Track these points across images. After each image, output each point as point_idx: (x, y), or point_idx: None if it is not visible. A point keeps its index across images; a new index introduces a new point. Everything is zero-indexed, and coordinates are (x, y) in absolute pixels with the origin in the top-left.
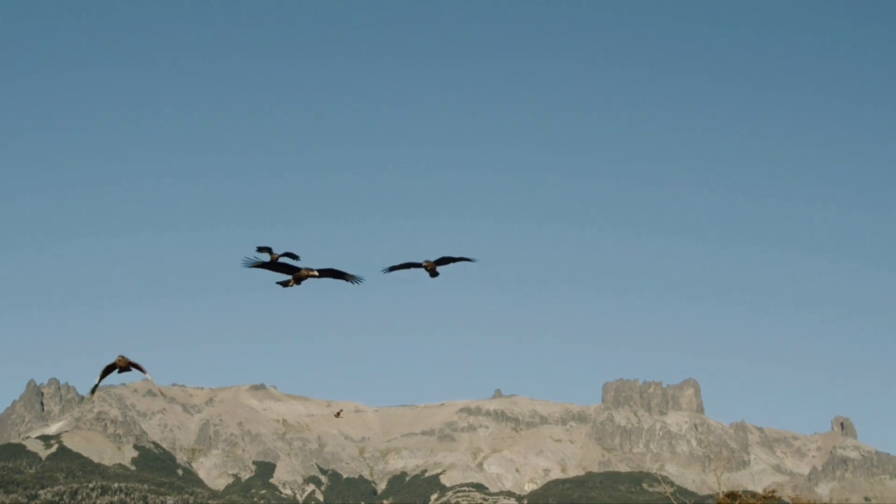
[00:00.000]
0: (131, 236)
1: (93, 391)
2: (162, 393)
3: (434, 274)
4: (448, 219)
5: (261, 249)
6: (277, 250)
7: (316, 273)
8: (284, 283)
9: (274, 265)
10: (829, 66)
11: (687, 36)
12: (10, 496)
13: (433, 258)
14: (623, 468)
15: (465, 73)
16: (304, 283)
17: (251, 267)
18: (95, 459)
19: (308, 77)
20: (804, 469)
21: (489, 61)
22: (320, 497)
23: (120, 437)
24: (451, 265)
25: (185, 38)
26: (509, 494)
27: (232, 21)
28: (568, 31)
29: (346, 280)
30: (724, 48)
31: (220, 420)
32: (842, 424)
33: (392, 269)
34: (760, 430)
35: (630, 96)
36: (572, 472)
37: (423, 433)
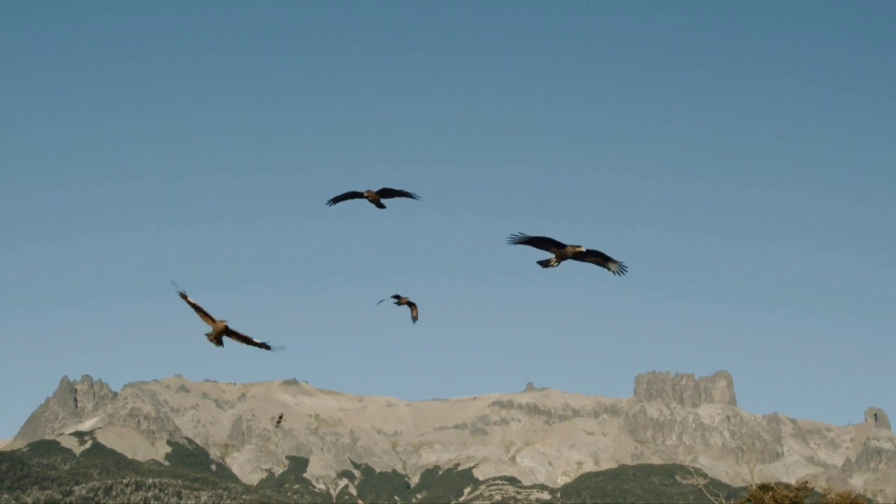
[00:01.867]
0: (162, 231)
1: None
2: None
3: (379, 205)
4: (479, 213)
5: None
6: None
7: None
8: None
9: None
10: (834, 59)
11: (688, 30)
12: (45, 492)
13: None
14: (656, 461)
15: (466, 70)
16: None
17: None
18: (129, 455)
19: (306, 73)
20: (838, 460)
21: (487, 59)
22: (353, 491)
23: (153, 433)
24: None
25: (179, 33)
26: (542, 488)
27: (224, 16)
28: (564, 25)
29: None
30: (727, 42)
31: (253, 415)
32: (875, 415)
33: (335, 200)
34: (793, 421)
35: (653, 93)
36: (605, 465)
37: (456, 427)
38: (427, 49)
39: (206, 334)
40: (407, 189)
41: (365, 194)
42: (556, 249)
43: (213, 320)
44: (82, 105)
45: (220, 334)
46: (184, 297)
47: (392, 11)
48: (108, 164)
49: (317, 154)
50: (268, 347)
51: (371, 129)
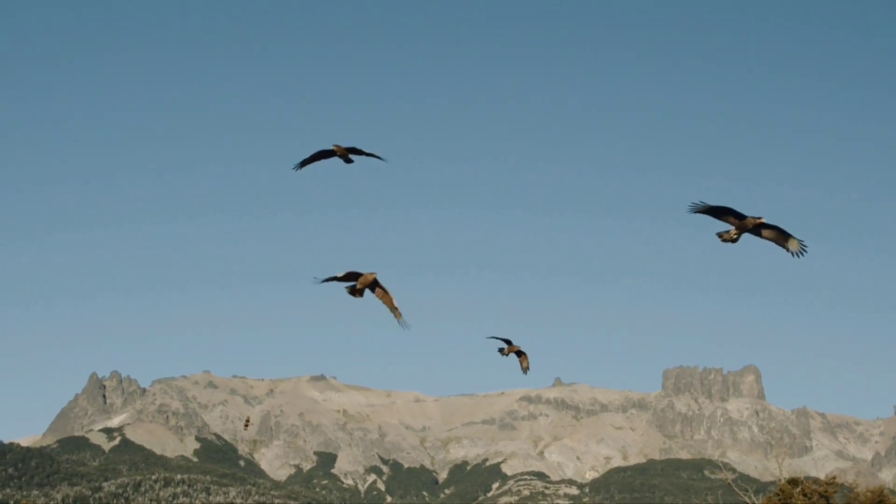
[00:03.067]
0: (192, 226)
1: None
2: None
3: (347, 160)
4: (512, 210)
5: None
6: None
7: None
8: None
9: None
10: (835, 54)
11: (687, 25)
12: (75, 488)
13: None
14: (684, 455)
15: (467, 66)
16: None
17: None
18: (158, 451)
19: (305, 70)
20: (867, 454)
21: (486, 56)
22: (382, 487)
23: (182, 430)
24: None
25: (178, 31)
26: (570, 482)
27: (225, 12)
28: (561, 21)
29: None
30: (727, 38)
31: (281, 411)
32: None
33: (302, 164)
34: (822, 415)
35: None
36: (633, 460)
37: (484, 422)
38: (425, 47)
39: (348, 287)
40: (377, 153)
41: (333, 148)
42: (737, 221)
43: (360, 274)
44: (109, 97)
45: (367, 286)
46: (335, 279)
47: (388, 11)
48: (138, 158)
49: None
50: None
51: (392, 127)
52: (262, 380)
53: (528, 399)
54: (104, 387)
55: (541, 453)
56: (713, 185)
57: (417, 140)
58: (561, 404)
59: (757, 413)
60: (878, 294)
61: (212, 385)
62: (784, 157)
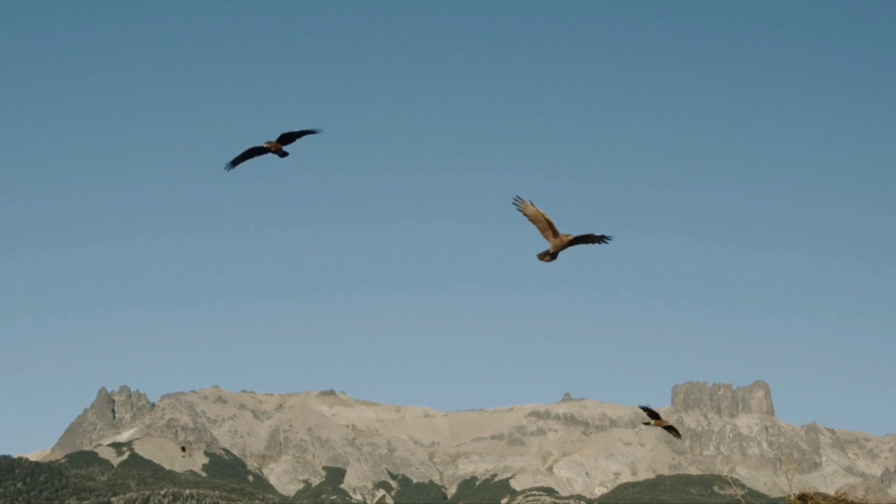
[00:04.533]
0: (201, 240)
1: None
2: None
3: (282, 154)
4: (514, 224)
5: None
6: None
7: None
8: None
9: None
10: (831, 64)
11: (681, 34)
12: (84, 503)
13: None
14: (694, 471)
15: (466, 74)
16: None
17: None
18: (167, 466)
19: (305, 79)
20: (877, 470)
21: (485, 62)
22: (390, 502)
23: (191, 444)
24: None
25: (180, 40)
26: (580, 498)
27: (226, 23)
28: (558, 30)
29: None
30: (721, 47)
31: (290, 426)
32: None
33: (235, 162)
34: (832, 431)
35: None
36: (643, 476)
37: (493, 437)
38: (421, 56)
39: (543, 254)
40: (308, 129)
41: (265, 145)
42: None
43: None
44: (120, 109)
45: (564, 247)
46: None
47: (384, 18)
48: (148, 171)
49: (355, 160)
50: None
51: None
52: (272, 394)
53: (537, 414)
54: (113, 401)
55: (550, 469)
56: (724, 197)
57: (430, 151)
58: (570, 420)
59: (766, 429)
60: (888, 310)
61: (221, 400)
62: (798, 169)
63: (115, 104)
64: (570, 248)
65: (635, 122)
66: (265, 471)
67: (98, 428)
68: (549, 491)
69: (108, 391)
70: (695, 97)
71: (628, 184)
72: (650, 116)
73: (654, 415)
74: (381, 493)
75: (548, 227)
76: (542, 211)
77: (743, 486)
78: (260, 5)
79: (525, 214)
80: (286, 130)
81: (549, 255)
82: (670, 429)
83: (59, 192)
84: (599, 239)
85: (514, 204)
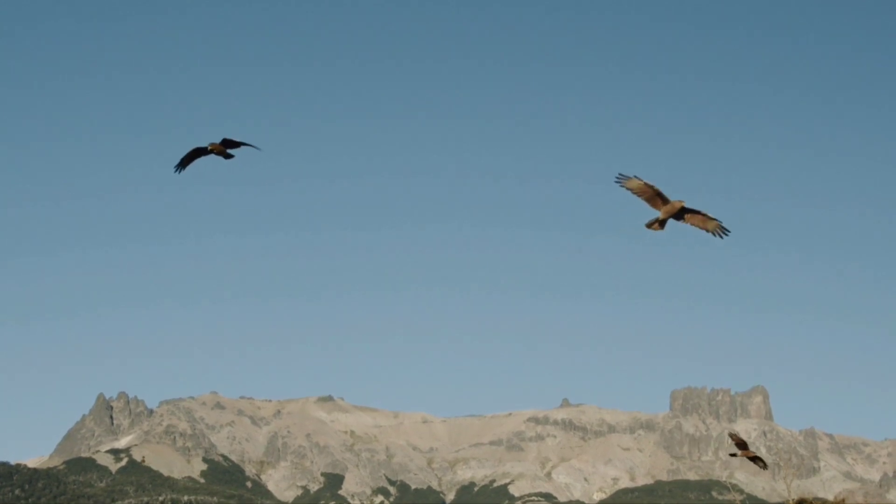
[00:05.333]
0: (197, 245)
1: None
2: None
3: (227, 156)
4: (513, 228)
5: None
6: None
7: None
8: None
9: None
10: (829, 67)
11: (679, 38)
12: None
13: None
14: (692, 476)
15: (465, 79)
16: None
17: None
18: (165, 472)
19: (304, 83)
20: (875, 475)
21: (484, 67)
22: None
23: (189, 450)
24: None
25: (180, 43)
26: (578, 503)
27: (222, 27)
28: (558, 34)
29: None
30: (720, 50)
31: (289, 432)
32: None
33: (182, 164)
34: (830, 436)
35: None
36: (641, 481)
37: (491, 443)
38: (418, 59)
39: (652, 221)
40: (252, 143)
41: (209, 148)
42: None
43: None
44: (114, 111)
45: (675, 214)
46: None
47: (386, 19)
48: (144, 175)
49: (354, 163)
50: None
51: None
52: (270, 401)
53: (535, 420)
54: (111, 408)
55: (548, 474)
56: (721, 200)
57: (429, 154)
58: (568, 425)
59: (765, 434)
60: (886, 314)
61: (219, 406)
62: (797, 171)
63: (112, 106)
64: (673, 227)
65: (628, 123)
66: (263, 477)
67: (96, 434)
68: (548, 496)
69: (107, 397)
70: (687, 99)
71: (619, 189)
72: (644, 118)
73: (742, 444)
74: (379, 499)
75: (656, 196)
76: (647, 182)
77: (741, 492)
78: (260, 8)
79: (629, 189)
80: (236, 137)
81: (658, 223)
82: (757, 459)
83: (57, 196)
84: (715, 227)
85: (616, 181)
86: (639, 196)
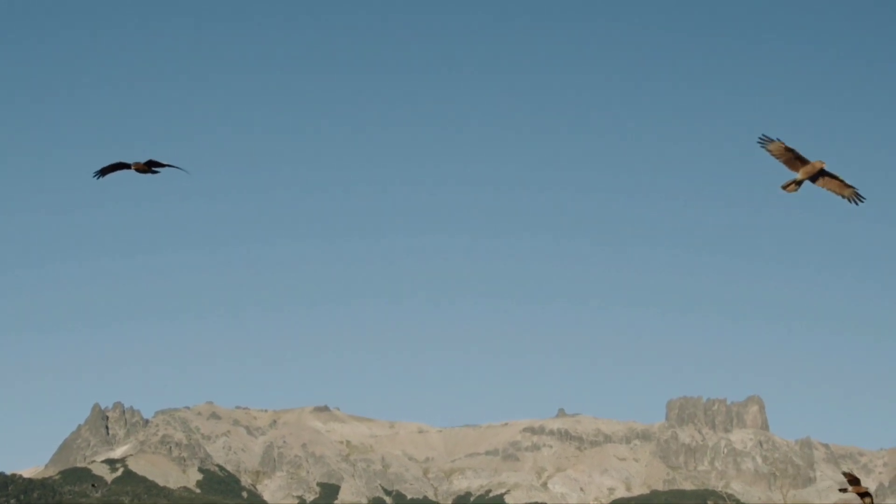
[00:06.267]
0: (192, 254)
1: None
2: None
3: (152, 172)
4: (507, 237)
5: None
6: None
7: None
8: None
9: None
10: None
11: (677, 45)
12: None
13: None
14: (688, 486)
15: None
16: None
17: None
18: (161, 482)
19: (304, 91)
20: (871, 485)
21: (484, 75)
22: None
23: (185, 460)
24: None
25: (181, 51)
26: None
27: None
28: (557, 42)
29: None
30: (719, 54)
31: (284, 442)
32: None
33: (102, 172)
34: (826, 446)
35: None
36: (637, 491)
37: (487, 453)
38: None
39: (788, 183)
40: (179, 165)
41: (133, 166)
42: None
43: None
44: (102, 120)
45: (814, 175)
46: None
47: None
48: (134, 187)
49: (343, 175)
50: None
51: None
52: (266, 410)
53: (531, 430)
54: (107, 417)
55: (544, 484)
56: (720, 209)
57: (422, 162)
58: (564, 435)
59: (761, 444)
60: (883, 323)
61: (215, 416)
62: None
63: (100, 115)
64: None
65: (620, 132)
66: (259, 487)
67: (92, 444)
68: None
69: (102, 407)
70: (677, 106)
71: (620, 196)
72: (637, 127)
73: (854, 480)
74: None
75: (795, 159)
76: (787, 145)
77: (738, 502)
78: (262, 13)
79: (769, 151)
80: (157, 159)
81: (795, 184)
82: (865, 495)
83: (50, 206)
84: (851, 193)
85: (759, 143)
86: (778, 158)
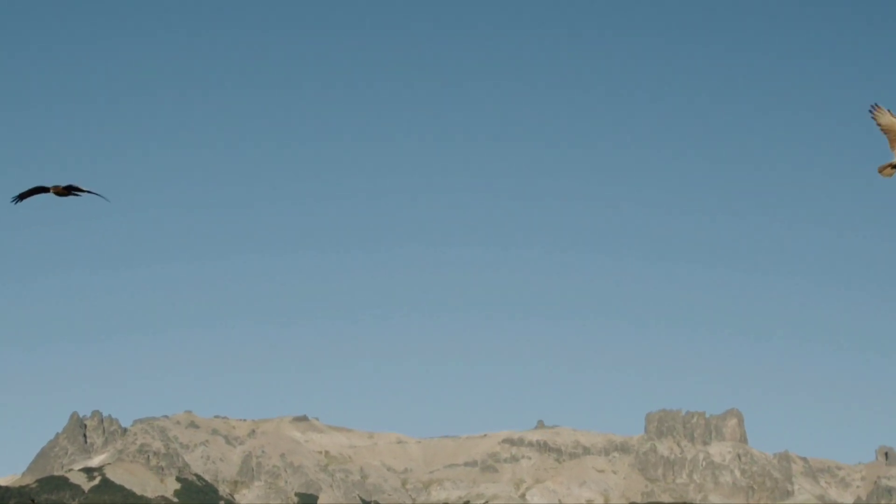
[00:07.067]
0: (173, 265)
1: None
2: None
3: (73, 195)
4: (489, 249)
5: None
6: None
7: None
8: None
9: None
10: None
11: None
12: None
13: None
14: (666, 498)
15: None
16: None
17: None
18: (138, 491)
19: (303, 86)
20: (848, 499)
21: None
22: None
23: (163, 470)
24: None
25: (181, 55)
26: None
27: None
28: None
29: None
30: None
31: (263, 452)
32: (886, 454)
33: (20, 197)
34: (804, 459)
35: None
36: (615, 503)
37: (466, 464)
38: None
39: (885, 166)
40: (98, 192)
41: (51, 190)
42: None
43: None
44: (96, 135)
45: None
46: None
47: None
48: (125, 196)
49: (321, 188)
50: None
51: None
52: (244, 420)
53: (510, 441)
54: (85, 426)
55: (523, 496)
56: (697, 224)
57: (408, 176)
58: (543, 447)
59: (739, 457)
60: (861, 339)
61: (193, 425)
62: (774, 191)
63: (92, 127)
64: None
65: (605, 144)
66: (237, 496)
67: (69, 453)
68: None
69: (80, 416)
70: (662, 116)
71: (600, 208)
72: (624, 138)
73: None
74: None
75: None
76: None
77: None
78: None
79: (879, 124)
80: (77, 185)
81: (892, 167)
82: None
83: (30, 217)
84: None
85: (870, 111)
86: (885, 132)
